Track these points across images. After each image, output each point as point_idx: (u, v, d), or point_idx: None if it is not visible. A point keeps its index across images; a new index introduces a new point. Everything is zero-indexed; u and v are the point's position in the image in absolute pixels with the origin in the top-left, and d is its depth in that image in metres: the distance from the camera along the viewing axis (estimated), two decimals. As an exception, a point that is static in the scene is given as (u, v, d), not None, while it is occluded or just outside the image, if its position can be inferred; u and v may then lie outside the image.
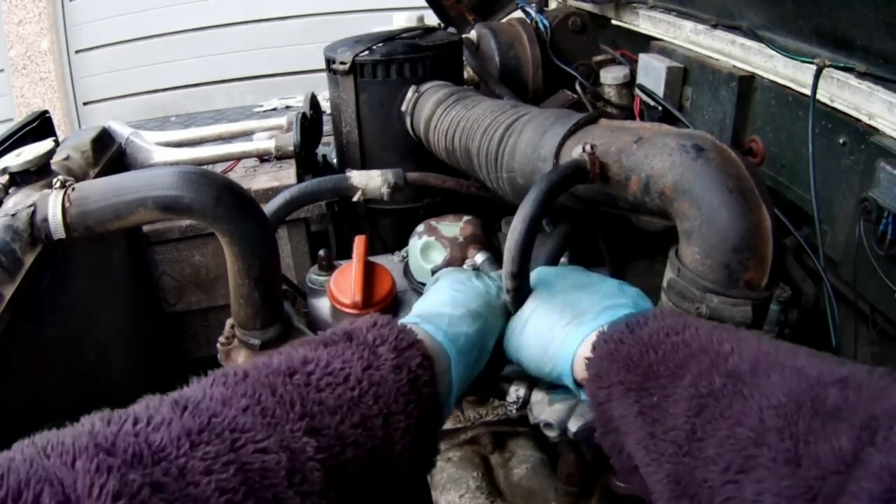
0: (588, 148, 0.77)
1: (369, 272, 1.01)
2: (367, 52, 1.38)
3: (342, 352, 0.57)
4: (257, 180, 1.64)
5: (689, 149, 0.71)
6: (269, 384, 0.50)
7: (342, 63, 1.38)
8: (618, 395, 0.58)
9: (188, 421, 0.43)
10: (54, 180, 0.94)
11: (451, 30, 1.71)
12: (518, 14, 1.72)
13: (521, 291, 0.75)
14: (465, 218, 1.10)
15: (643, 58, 1.35)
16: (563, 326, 0.69)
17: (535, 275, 0.78)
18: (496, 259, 1.02)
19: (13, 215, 0.95)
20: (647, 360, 0.56)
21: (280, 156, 1.63)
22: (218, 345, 1.02)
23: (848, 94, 0.89)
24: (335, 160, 1.63)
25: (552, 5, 1.83)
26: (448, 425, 1.03)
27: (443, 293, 0.76)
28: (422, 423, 0.58)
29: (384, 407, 0.54)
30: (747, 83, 1.10)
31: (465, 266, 1.02)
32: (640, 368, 0.56)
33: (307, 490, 0.45)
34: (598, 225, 1.07)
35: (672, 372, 0.54)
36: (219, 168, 1.69)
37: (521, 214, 0.73)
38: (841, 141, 0.91)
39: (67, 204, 0.91)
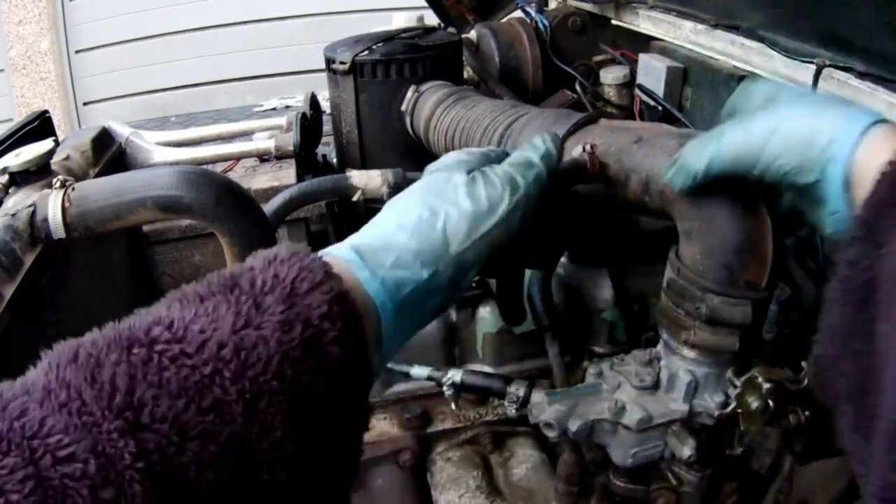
0: (588, 147, 0.77)
1: (369, 272, 1.01)
2: (366, 52, 1.38)
3: (215, 307, 0.43)
4: (257, 180, 1.64)
5: None
6: (94, 366, 0.39)
7: (342, 63, 1.38)
8: None
9: None
10: (54, 180, 0.94)
11: (451, 30, 1.72)
12: (518, 14, 1.72)
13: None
14: (465, 218, 1.09)
15: (643, 58, 1.35)
16: (835, 112, 0.55)
17: (758, 89, 0.64)
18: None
19: (13, 215, 0.95)
20: None
21: (280, 156, 1.63)
22: (218, 345, 1.02)
23: (848, 94, 0.89)
24: (335, 160, 1.63)
25: (552, 5, 1.83)
26: (448, 425, 1.03)
27: (408, 209, 0.57)
28: (330, 394, 0.44)
29: (252, 383, 0.41)
30: (747, 83, 1.10)
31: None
32: None
33: None
34: (599, 225, 1.08)
35: None
36: (219, 168, 1.69)
37: None
38: (841, 141, 0.91)
39: (67, 204, 0.91)
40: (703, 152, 0.61)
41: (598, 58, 1.54)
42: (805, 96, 0.61)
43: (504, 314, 0.77)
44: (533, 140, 0.66)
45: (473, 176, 0.60)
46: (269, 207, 1.15)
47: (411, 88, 1.35)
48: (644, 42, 1.43)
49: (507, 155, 0.66)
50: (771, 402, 0.69)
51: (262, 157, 1.76)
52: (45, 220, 0.92)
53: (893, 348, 0.42)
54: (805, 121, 0.55)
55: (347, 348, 0.45)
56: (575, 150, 0.79)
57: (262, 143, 1.66)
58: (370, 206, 1.50)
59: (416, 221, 0.55)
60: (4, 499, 0.34)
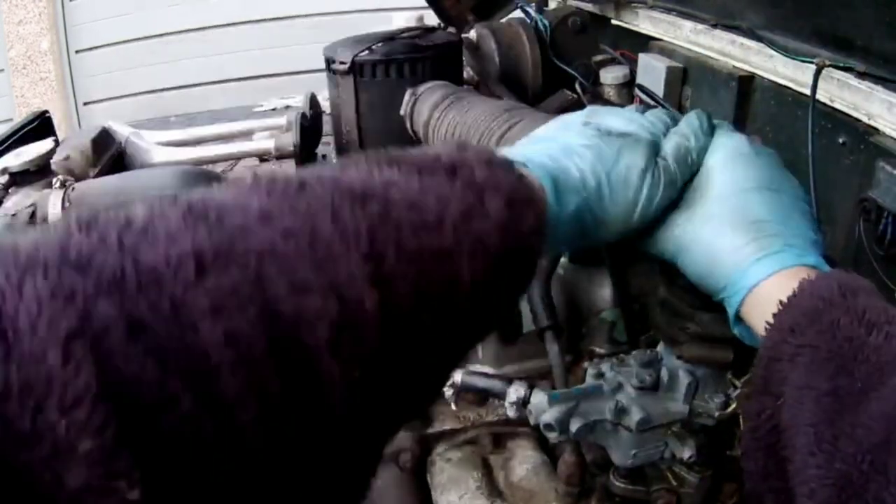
0: None
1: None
2: (366, 52, 1.37)
3: (439, 185, 0.41)
4: (257, 180, 1.64)
5: None
6: (332, 205, 0.35)
7: (342, 63, 1.38)
8: (806, 362, 0.48)
9: (202, 237, 0.31)
10: (54, 180, 0.95)
11: (451, 30, 1.72)
12: (518, 14, 1.72)
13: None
14: (465, 218, 1.09)
15: (643, 58, 1.35)
16: (742, 247, 0.56)
17: (717, 146, 0.62)
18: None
19: (13, 215, 0.95)
20: (859, 337, 0.48)
21: (280, 156, 1.63)
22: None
23: (848, 94, 0.89)
24: (335, 160, 1.63)
25: (552, 5, 1.83)
26: (448, 425, 1.03)
27: (580, 141, 0.54)
28: (515, 297, 0.48)
29: (483, 267, 0.40)
30: (747, 83, 1.10)
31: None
32: (852, 343, 0.47)
33: (353, 354, 0.33)
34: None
35: (886, 364, 0.46)
36: (219, 168, 1.70)
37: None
38: (841, 141, 0.91)
39: (67, 204, 0.91)
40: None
41: (598, 58, 1.54)
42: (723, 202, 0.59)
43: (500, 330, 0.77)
44: (693, 122, 0.60)
45: (656, 168, 0.56)
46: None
47: (408, 92, 1.34)
48: (644, 42, 1.43)
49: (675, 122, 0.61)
50: (771, 403, 0.69)
51: (263, 157, 1.76)
52: (45, 220, 0.92)
53: (802, 494, 0.45)
54: (703, 257, 0.57)
55: (533, 261, 0.47)
56: None
57: (262, 143, 1.66)
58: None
59: (585, 153, 0.52)
60: (223, 322, 0.29)
